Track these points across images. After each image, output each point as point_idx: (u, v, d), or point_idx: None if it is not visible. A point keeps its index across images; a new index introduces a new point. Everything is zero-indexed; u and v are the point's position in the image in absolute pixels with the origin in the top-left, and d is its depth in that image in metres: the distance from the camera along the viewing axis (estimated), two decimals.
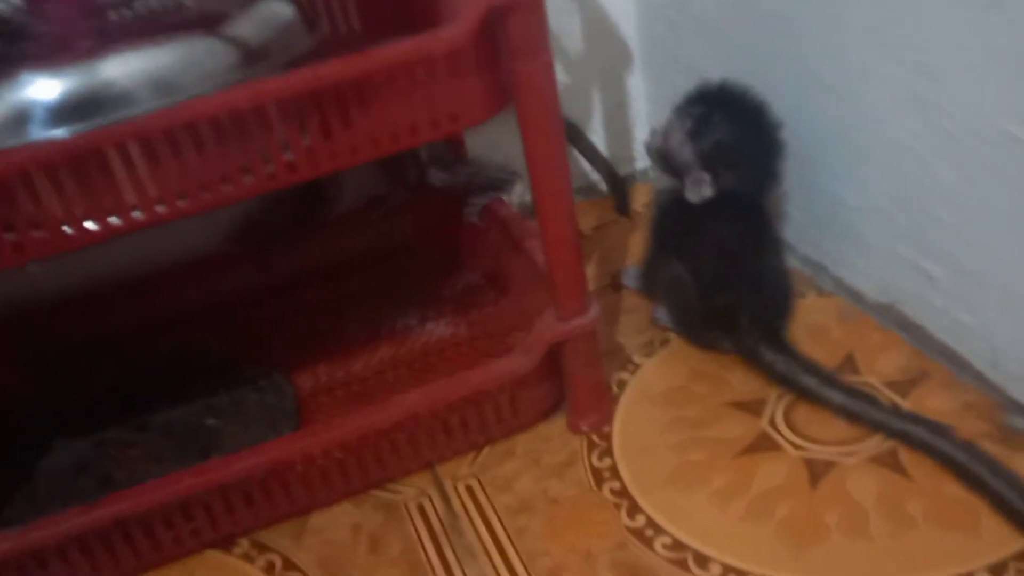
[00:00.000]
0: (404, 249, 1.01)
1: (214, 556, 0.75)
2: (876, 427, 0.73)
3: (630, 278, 0.96)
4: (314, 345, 0.93)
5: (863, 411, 0.73)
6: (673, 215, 0.86)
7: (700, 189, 0.81)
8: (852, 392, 0.75)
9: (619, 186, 1.12)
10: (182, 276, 0.96)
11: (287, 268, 0.98)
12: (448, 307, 0.96)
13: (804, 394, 0.77)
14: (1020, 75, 0.63)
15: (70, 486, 0.81)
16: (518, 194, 0.94)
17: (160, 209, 0.62)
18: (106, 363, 0.92)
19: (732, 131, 0.82)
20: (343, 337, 0.94)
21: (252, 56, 0.67)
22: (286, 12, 0.72)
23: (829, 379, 0.76)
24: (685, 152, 0.82)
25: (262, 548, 0.75)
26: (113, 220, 0.61)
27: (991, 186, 0.68)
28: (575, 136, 1.10)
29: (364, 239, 1.00)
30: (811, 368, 0.77)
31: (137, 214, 0.61)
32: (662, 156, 0.85)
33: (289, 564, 0.73)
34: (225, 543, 0.76)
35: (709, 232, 0.82)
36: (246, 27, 0.69)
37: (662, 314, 0.89)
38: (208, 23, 0.70)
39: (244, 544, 0.76)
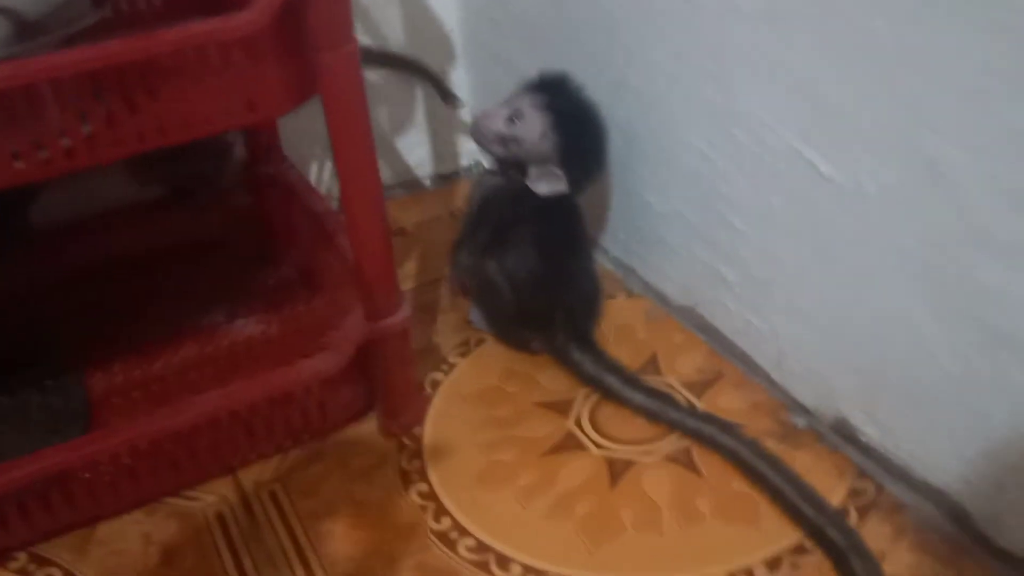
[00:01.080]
0: (213, 244, 0.96)
1: None
2: (672, 426, 0.76)
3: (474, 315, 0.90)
4: (110, 343, 0.87)
5: (661, 411, 0.76)
6: (494, 207, 0.84)
7: (553, 184, 0.79)
8: (651, 392, 0.77)
9: (435, 77, 1.08)
10: None
11: (80, 261, 0.91)
12: (259, 304, 0.92)
13: (608, 394, 0.79)
14: (800, 93, 0.66)
15: None
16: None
17: None
18: None
19: (588, 128, 0.80)
20: (143, 335, 0.88)
21: (27, 30, 0.62)
22: None
23: (631, 380, 0.78)
24: (545, 145, 0.78)
25: (41, 562, 0.70)
26: None
27: (776, 197, 0.72)
28: (385, 56, 1.04)
29: (168, 232, 0.94)
30: (615, 368, 0.79)
31: None
32: (505, 142, 0.80)
33: None
34: None
35: (528, 230, 0.81)
36: None
37: (476, 316, 0.89)
38: None
39: (22, 558, 0.70)
